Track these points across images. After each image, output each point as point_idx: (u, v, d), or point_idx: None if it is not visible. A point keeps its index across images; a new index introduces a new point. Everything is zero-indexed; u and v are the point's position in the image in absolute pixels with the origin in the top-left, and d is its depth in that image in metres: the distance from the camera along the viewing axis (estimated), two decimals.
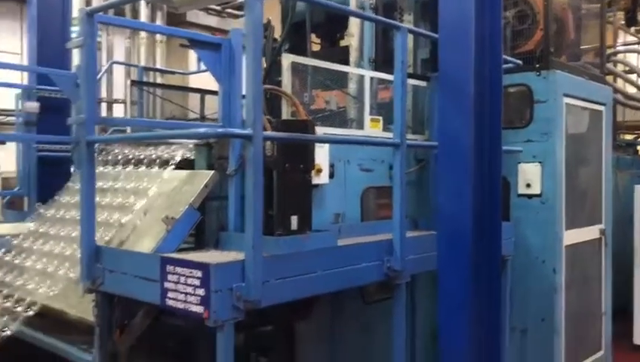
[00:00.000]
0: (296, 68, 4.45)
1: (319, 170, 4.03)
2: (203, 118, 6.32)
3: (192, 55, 9.36)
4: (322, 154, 4.07)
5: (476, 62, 2.99)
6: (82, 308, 3.30)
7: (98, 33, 8.27)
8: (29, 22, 5.61)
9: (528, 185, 4.79)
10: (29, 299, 3.43)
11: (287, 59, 4.02)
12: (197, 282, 2.46)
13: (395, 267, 3.33)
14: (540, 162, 4.75)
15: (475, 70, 2.97)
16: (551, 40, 4.77)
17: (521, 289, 4.80)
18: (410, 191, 5.05)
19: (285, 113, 4.07)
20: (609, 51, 7.53)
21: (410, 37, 5.43)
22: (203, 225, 3.67)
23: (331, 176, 4.26)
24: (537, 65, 4.77)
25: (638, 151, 10.05)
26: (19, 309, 3.40)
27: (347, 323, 4.34)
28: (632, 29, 10.51)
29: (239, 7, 7.48)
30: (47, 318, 3.57)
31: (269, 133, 3.12)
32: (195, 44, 3.50)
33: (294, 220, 3.65)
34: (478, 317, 3.06)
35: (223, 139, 3.69)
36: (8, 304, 3.51)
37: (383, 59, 5.06)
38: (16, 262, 3.81)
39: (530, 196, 4.80)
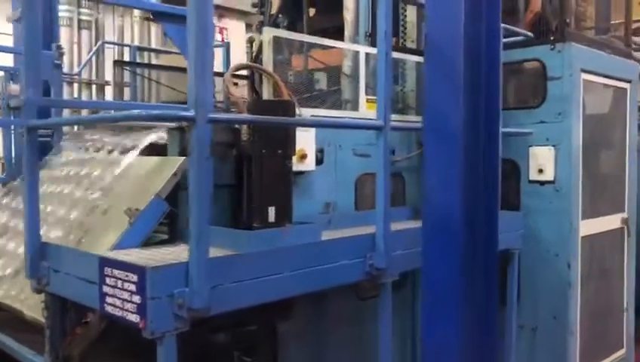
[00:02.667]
0: (287, 44, 4.10)
1: (303, 156, 3.68)
2: None
3: None
4: (307, 139, 3.71)
5: (467, 28, 2.58)
6: (37, 308, 3.03)
7: (85, 11, 8.04)
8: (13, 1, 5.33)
9: (540, 171, 4.35)
10: None
11: (268, 34, 3.64)
12: (133, 287, 2.14)
13: (378, 265, 2.96)
14: (553, 145, 4.30)
15: (465, 37, 2.56)
16: (567, 9, 4.30)
17: (531, 285, 4.40)
18: (412, 177, 4.68)
19: (267, 93, 3.72)
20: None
21: (413, 9, 5.01)
22: (176, 217, 3.38)
23: (320, 162, 3.90)
24: (552, 38, 4.30)
25: None
26: None
27: (338, 321, 4.01)
28: None
29: None
30: (5, 314, 3.32)
31: (219, 115, 2.77)
32: (159, 16, 3.17)
33: (272, 212, 3.32)
34: (469, 320, 2.69)
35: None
36: None
37: None
38: None
39: (542, 183, 4.37)
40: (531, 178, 4.41)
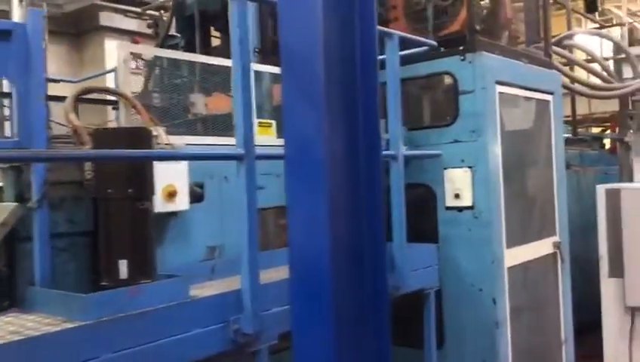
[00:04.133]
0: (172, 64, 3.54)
1: (172, 193, 3.08)
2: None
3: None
4: (178, 172, 3.12)
5: (329, 33, 2.05)
6: None
7: None
8: None
9: (457, 196, 3.88)
10: None
11: (122, 49, 3.06)
12: None
13: (245, 329, 2.37)
14: (469, 167, 3.84)
15: (325, 44, 2.03)
16: (476, 16, 3.87)
17: (455, 326, 3.88)
18: None
19: (125, 119, 3.12)
20: (563, 34, 6.67)
21: None
22: (12, 276, 2.75)
23: (199, 198, 3.31)
24: (461, 48, 3.87)
25: (604, 145, 9.21)
26: None
27: None
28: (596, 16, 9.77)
29: (160, 8, 6.51)
30: None
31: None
32: None
33: (123, 266, 2.70)
34: None
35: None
36: None
37: (273, 49, 4.13)
38: None
39: (460, 209, 3.89)
40: (448, 204, 3.93)
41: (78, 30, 8.94)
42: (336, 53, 2.12)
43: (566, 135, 7.69)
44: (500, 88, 3.95)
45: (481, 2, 4.38)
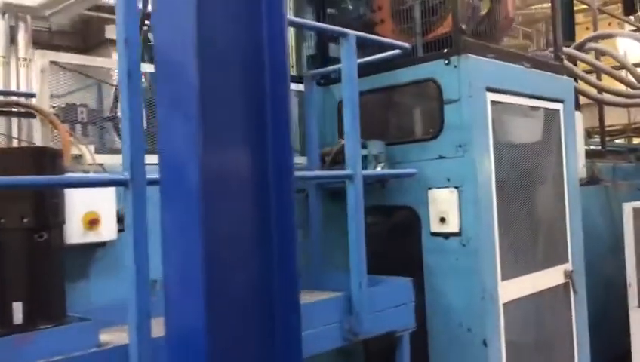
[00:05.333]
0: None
1: (94, 222, 2.70)
2: None
3: None
4: (103, 197, 2.74)
5: (207, 26, 1.64)
6: None
7: None
8: None
9: (442, 220, 3.37)
10: None
11: (41, 58, 2.71)
12: None
13: None
14: (456, 187, 3.33)
15: (200, 46, 1.61)
16: (464, 14, 3.37)
17: None
18: None
19: (42, 137, 2.76)
20: (586, 36, 6.05)
21: (292, 30, 4.11)
22: None
23: None
24: (445, 51, 3.37)
25: None
26: None
27: None
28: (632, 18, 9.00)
29: None
30: None
31: None
32: None
33: (18, 309, 2.33)
34: None
35: None
36: None
37: None
38: None
39: (446, 235, 3.38)
40: (433, 230, 3.42)
41: (86, 45, 8.78)
42: (222, 54, 1.69)
43: (595, 147, 7.09)
44: (492, 96, 3.43)
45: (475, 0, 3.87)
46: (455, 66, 3.32)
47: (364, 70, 3.68)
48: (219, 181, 1.65)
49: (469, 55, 3.30)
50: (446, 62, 3.35)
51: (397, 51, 3.01)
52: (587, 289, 5.31)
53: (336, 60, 3.78)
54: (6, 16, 5.83)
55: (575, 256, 4.10)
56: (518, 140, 3.79)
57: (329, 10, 4.19)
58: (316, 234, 3.58)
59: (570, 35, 7.29)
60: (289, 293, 1.84)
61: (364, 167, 3.45)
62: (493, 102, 3.45)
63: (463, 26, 3.33)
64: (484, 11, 4.14)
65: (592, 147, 6.94)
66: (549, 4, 4.41)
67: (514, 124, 3.72)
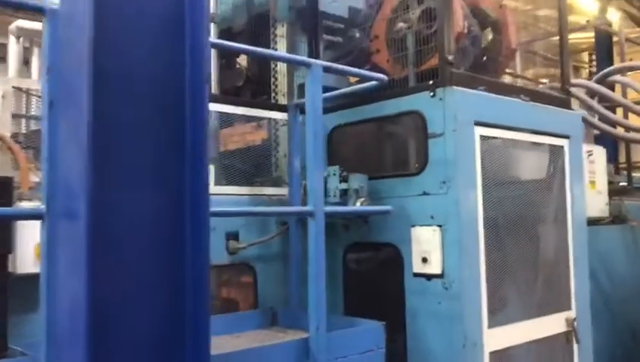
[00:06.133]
0: None
1: None
2: None
3: None
4: None
5: (103, 47, 1.56)
6: None
7: None
8: None
9: (425, 260, 3.18)
10: None
11: (3, 85, 2.69)
12: None
13: None
14: (439, 226, 3.14)
15: (96, 64, 1.54)
16: (449, 42, 3.22)
17: None
18: (267, 268, 3.57)
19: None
20: (609, 68, 5.77)
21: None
22: None
23: None
24: (431, 82, 3.23)
25: None
26: None
27: None
28: None
29: None
30: None
31: None
32: None
33: None
34: None
35: None
36: None
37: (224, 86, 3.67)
38: None
39: (428, 277, 3.18)
40: (415, 270, 3.23)
41: None
42: (129, 85, 1.61)
43: (623, 183, 6.72)
44: (481, 130, 3.25)
45: (475, 30, 3.71)
46: (440, 99, 3.16)
47: (351, 101, 3.58)
48: (113, 222, 1.55)
49: (455, 87, 3.14)
50: (431, 94, 3.20)
51: (373, 83, 2.88)
52: (610, 337, 4.98)
53: (329, 89, 3.68)
54: (21, 40, 6.01)
55: (580, 302, 3.82)
56: (515, 177, 3.59)
57: (332, 38, 4.11)
58: (296, 269, 3.44)
59: (609, 65, 6.98)
60: (199, 347, 1.72)
61: (345, 202, 3.32)
62: (483, 137, 3.27)
63: (450, 57, 3.18)
64: (486, 42, 4.00)
65: (620, 183, 6.60)
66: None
67: (510, 160, 3.52)
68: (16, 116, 2.87)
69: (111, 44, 1.56)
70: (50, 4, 1.84)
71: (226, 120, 3.64)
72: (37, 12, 1.92)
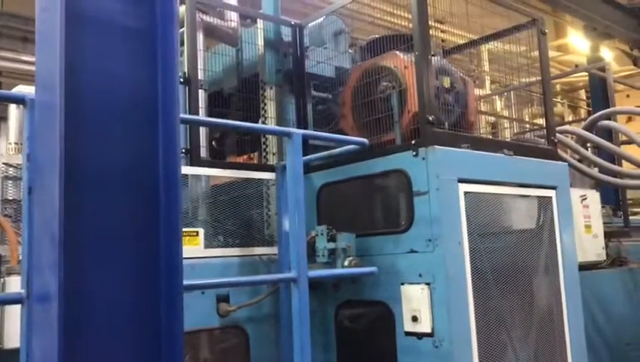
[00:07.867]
0: None
1: None
2: None
3: None
4: None
5: (71, 135, 1.63)
6: None
7: None
8: None
9: (415, 319, 3.18)
10: None
11: None
12: None
13: None
14: (427, 284, 3.16)
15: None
16: (428, 105, 3.30)
17: None
18: (259, 330, 3.57)
19: None
20: (596, 114, 5.84)
21: (274, 117, 4.13)
22: None
23: None
24: (413, 142, 3.29)
25: None
26: None
27: None
28: None
29: None
30: None
31: None
32: None
33: None
34: None
35: None
36: None
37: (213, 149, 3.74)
38: None
39: (419, 335, 3.18)
40: (406, 328, 3.23)
41: None
42: (98, 175, 1.66)
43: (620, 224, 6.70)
44: (465, 187, 3.30)
45: (458, 86, 3.79)
46: (423, 158, 3.22)
47: (338, 159, 3.65)
48: (85, 313, 1.58)
49: (437, 147, 3.21)
50: (414, 153, 3.26)
51: (352, 146, 2.95)
52: None
53: (319, 148, 3.76)
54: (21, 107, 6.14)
55: (577, 355, 3.78)
56: (502, 231, 3.61)
57: (321, 95, 4.19)
58: (287, 331, 3.43)
59: (604, 105, 7.01)
60: None
61: (334, 261, 3.34)
62: (468, 193, 3.31)
63: (431, 118, 3.25)
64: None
65: (617, 224, 6.58)
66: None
67: (496, 215, 3.55)
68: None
69: (82, 135, 1.62)
70: (30, 94, 1.92)
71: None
72: (19, 102, 2.00)
